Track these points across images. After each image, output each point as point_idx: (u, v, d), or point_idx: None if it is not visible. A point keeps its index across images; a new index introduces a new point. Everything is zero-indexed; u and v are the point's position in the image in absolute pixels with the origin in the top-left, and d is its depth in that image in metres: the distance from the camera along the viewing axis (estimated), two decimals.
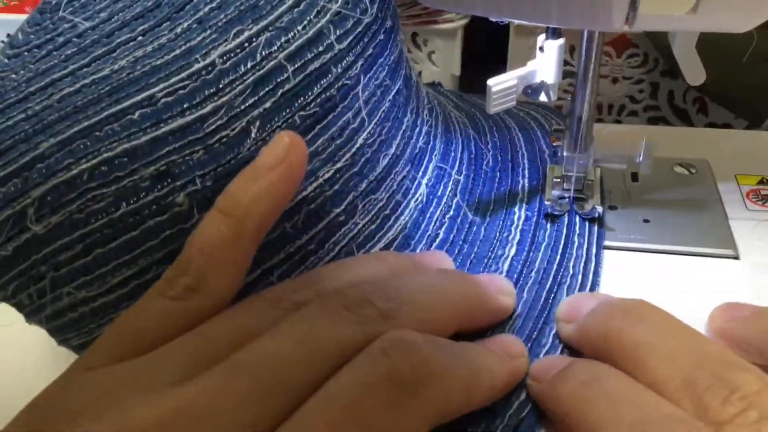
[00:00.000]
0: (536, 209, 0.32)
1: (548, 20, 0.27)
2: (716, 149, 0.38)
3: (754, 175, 0.36)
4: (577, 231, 0.31)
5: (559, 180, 0.33)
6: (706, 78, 0.31)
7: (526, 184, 0.34)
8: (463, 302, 0.24)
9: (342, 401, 0.18)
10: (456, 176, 0.33)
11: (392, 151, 0.29)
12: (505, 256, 0.29)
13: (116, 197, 0.22)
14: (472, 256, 0.29)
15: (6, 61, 0.26)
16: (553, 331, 0.26)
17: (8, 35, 0.56)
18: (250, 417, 0.17)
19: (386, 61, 0.28)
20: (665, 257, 0.31)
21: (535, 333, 0.26)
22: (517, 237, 0.30)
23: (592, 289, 0.28)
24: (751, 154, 0.38)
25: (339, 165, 0.26)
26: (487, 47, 0.52)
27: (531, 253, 0.30)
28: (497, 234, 0.31)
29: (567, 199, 0.32)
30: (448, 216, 0.31)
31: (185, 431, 0.17)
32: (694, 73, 0.31)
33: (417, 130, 0.31)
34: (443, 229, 0.30)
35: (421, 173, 0.31)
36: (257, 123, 0.23)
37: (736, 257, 0.30)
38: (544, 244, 0.30)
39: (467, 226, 0.31)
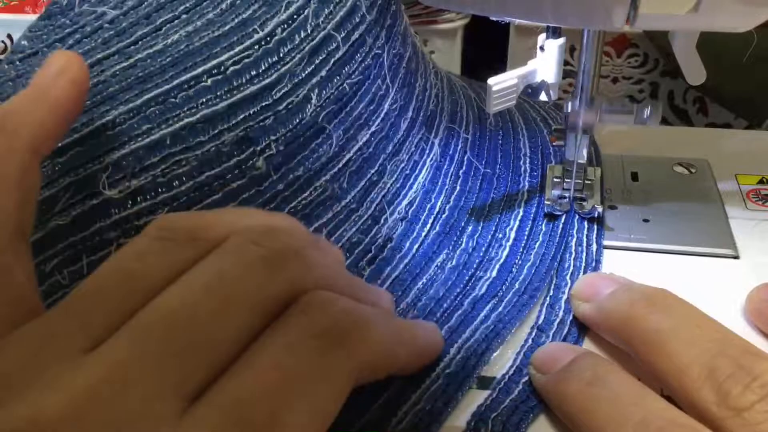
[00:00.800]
0: (536, 205, 0.32)
1: (549, 19, 0.27)
2: (716, 149, 0.38)
3: (754, 174, 0.36)
4: (575, 233, 0.31)
5: (559, 179, 0.33)
6: (706, 78, 0.31)
7: (527, 184, 0.34)
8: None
9: (270, 363, 0.17)
10: (465, 135, 0.34)
11: (409, 114, 0.30)
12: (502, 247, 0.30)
13: (200, 162, 0.22)
14: (488, 204, 0.32)
15: (18, 64, 0.26)
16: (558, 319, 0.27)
17: (8, 36, 0.56)
18: (166, 384, 0.16)
19: (398, 29, 0.30)
20: (665, 257, 0.31)
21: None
22: (513, 236, 0.31)
23: None
24: (751, 154, 0.38)
25: (372, 129, 0.28)
26: (487, 47, 0.52)
27: (528, 249, 0.30)
28: (494, 232, 0.31)
29: (567, 199, 0.32)
30: (461, 171, 0.33)
31: (98, 412, 0.15)
32: (695, 73, 0.31)
33: (427, 93, 0.33)
34: (459, 183, 0.32)
35: (433, 134, 0.32)
36: (316, 90, 0.24)
37: (736, 257, 0.30)
38: (539, 242, 0.30)
39: (480, 178, 0.33)
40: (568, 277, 0.29)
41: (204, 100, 0.22)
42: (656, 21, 0.25)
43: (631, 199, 0.34)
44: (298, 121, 0.24)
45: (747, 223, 0.32)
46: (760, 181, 0.35)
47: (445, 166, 0.33)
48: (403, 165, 0.30)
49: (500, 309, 0.27)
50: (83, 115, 0.22)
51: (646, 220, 0.33)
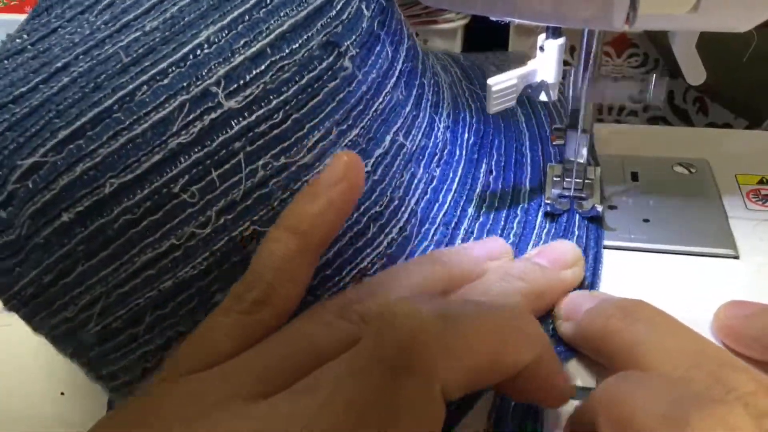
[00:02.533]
0: (536, 207, 0.32)
1: (548, 20, 0.27)
2: (716, 149, 0.38)
3: (754, 174, 0.36)
4: (576, 232, 0.31)
5: (558, 178, 0.33)
6: (706, 78, 0.31)
7: (528, 183, 0.34)
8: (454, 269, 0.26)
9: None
10: (470, 120, 0.35)
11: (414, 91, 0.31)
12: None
13: (299, 66, 0.24)
14: (503, 161, 0.33)
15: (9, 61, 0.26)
16: (551, 326, 0.26)
17: (8, 35, 0.56)
18: None
19: (400, 17, 0.31)
20: (665, 257, 0.31)
21: None
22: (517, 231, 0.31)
23: (591, 287, 0.28)
24: (752, 154, 0.38)
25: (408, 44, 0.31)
26: (487, 47, 0.52)
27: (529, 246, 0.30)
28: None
29: (567, 198, 0.32)
30: (470, 143, 0.34)
31: None
32: (695, 72, 0.31)
33: (430, 81, 0.33)
34: (471, 145, 0.33)
35: (437, 118, 0.33)
36: (365, 3, 0.27)
37: (737, 257, 0.30)
38: (541, 240, 0.30)
39: (490, 139, 0.35)
40: None
41: (286, 11, 0.24)
42: (656, 21, 0.25)
43: (631, 199, 0.34)
44: (360, 28, 0.27)
45: (747, 223, 0.32)
46: (760, 181, 0.35)
47: (455, 153, 0.33)
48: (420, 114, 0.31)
49: None
50: (163, 45, 0.23)
51: (646, 220, 0.33)
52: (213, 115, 0.23)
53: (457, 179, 0.32)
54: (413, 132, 0.30)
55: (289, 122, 0.24)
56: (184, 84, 0.23)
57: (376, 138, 0.28)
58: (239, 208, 0.24)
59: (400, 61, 0.30)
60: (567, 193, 0.32)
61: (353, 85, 0.26)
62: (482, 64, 0.43)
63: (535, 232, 0.31)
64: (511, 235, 0.31)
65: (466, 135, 0.34)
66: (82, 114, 0.22)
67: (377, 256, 0.27)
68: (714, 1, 0.24)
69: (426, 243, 0.29)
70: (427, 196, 0.30)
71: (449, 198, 0.31)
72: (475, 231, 0.31)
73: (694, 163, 0.37)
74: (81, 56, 0.24)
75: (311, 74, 0.25)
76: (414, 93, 0.30)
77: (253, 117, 0.23)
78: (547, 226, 0.31)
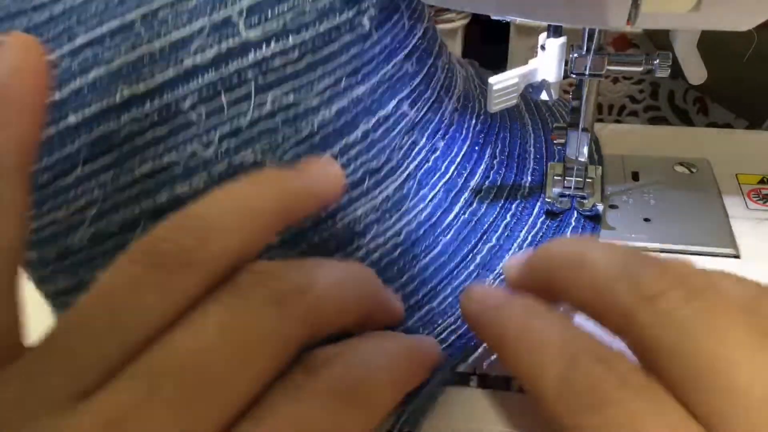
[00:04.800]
0: (537, 206, 0.32)
1: (549, 18, 0.27)
2: (717, 149, 0.38)
3: (754, 174, 0.36)
4: (573, 223, 0.31)
5: (559, 177, 0.33)
6: (707, 77, 0.31)
7: (530, 179, 0.34)
8: (370, 289, 0.23)
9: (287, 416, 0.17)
10: (478, 110, 0.35)
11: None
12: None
13: (319, 12, 0.25)
14: (506, 152, 0.34)
15: None
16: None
17: None
18: (182, 428, 0.15)
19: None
20: (666, 257, 0.31)
21: None
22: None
23: None
24: (752, 154, 0.38)
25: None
26: (487, 47, 0.52)
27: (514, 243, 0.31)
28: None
29: (567, 197, 0.32)
30: (476, 129, 0.34)
31: None
32: (696, 72, 0.31)
33: (445, 66, 0.33)
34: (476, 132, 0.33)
35: (447, 100, 0.33)
36: None
37: (737, 256, 0.30)
38: (530, 237, 0.31)
39: (496, 130, 0.35)
40: None
41: None
42: (657, 20, 0.25)
43: (631, 198, 0.34)
44: None
45: (748, 222, 0.32)
46: (761, 181, 0.35)
47: (455, 149, 0.33)
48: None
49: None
50: None
51: (646, 220, 0.33)
52: (230, 43, 0.24)
53: (461, 154, 0.32)
54: (419, 104, 0.30)
55: (302, 62, 0.25)
56: (208, 8, 0.23)
57: (381, 100, 0.28)
58: (243, 135, 0.25)
59: (416, 37, 0.30)
60: (568, 192, 0.32)
61: (367, 43, 0.27)
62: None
63: (529, 223, 0.31)
64: (501, 225, 0.31)
65: (474, 121, 0.34)
66: (102, 24, 0.23)
67: (371, 209, 0.28)
68: (715, 0, 0.24)
69: (423, 205, 0.29)
70: (429, 164, 0.30)
71: (452, 169, 0.31)
72: (474, 203, 0.31)
73: (694, 162, 0.37)
74: None
75: (330, 23, 0.25)
76: (425, 70, 0.31)
77: (269, 50, 0.24)
78: (542, 220, 0.31)
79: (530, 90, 0.30)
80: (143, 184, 0.24)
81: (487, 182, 0.32)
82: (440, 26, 0.52)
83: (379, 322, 0.24)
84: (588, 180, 0.33)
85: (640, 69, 0.30)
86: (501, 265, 0.29)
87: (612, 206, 0.33)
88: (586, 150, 0.32)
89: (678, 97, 0.52)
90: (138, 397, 0.15)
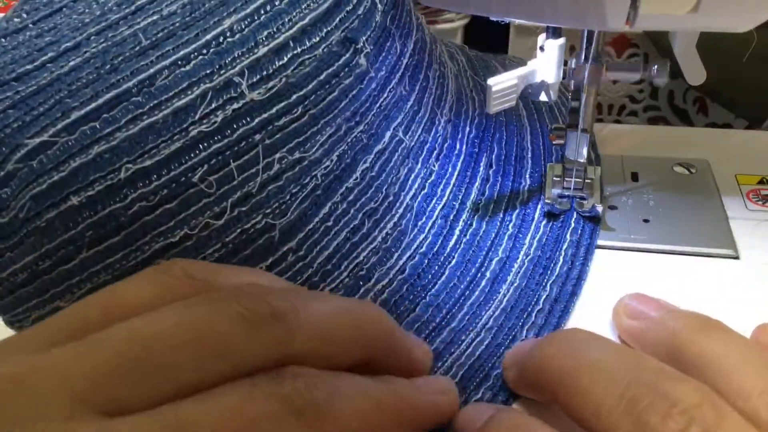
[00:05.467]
0: (537, 205, 0.32)
1: (549, 20, 0.27)
2: (716, 149, 0.38)
3: (754, 174, 0.36)
4: (573, 224, 0.31)
5: (559, 178, 0.33)
6: (706, 78, 0.31)
7: (527, 182, 0.34)
8: (367, 331, 0.22)
9: (226, 404, 0.17)
10: (472, 113, 0.35)
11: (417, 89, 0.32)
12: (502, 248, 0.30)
13: (318, 61, 0.24)
14: (503, 155, 0.33)
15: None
16: (532, 333, 0.27)
17: (4, 16, 0.56)
18: (99, 393, 0.16)
19: (410, 7, 0.32)
20: (665, 257, 0.31)
21: (515, 331, 0.27)
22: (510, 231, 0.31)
23: (578, 281, 0.29)
24: (752, 154, 0.38)
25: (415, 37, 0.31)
26: (487, 47, 0.52)
27: (521, 250, 0.30)
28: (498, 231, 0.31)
29: (567, 198, 0.32)
30: (471, 136, 0.34)
31: (21, 392, 0.16)
32: (695, 73, 0.31)
33: (435, 73, 0.33)
34: (463, 177, 0.33)
35: (438, 119, 0.33)
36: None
37: (736, 257, 0.30)
38: (535, 242, 0.31)
39: (491, 132, 0.35)
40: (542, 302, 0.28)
41: (307, 3, 0.24)
42: (656, 21, 0.25)
43: (631, 199, 0.34)
44: (374, 23, 0.27)
45: (747, 223, 0.32)
46: (760, 182, 0.35)
47: (453, 157, 0.33)
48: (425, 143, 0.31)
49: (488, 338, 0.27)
50: (201, 22, 0.23)
51: (646, 221, 0.33)
52: (235, 106, 0.23)
53: (456, 173, 0.32)
54: (413, 128, 0.30)
55: (306, 117, 0.24)
56: (207, 72, 0.22)
57: (377, 134, 0.27)
58: (253, 200, 0.24)
59: (407, 55, 0.30)
60: (567, 193, 0.32)
61: (365, 82, 0.26)
62: (486, 57, 0.43)
63: (532, 228, 0.31)
64: (505, 237, 0.31)
65: (468, 128, 0.34)
66: (98, 95, 0.22)
67: (372, 251, 0.27)
68: (714, 1, 0.24)
69: (422, 236, 0.29)
70: (425, 190, 0.30)
71: (447, 192, 0.31)
72: (474, 223, 0.31)
73: (694, 163, 0.37)
74: (93, 37, 0.23)
75: (329, 70, 0.25)
76: (417, 87, 0.31)
77: (274, 110, 0.23)
78: (544, 224, 0.31)
79: (529, 91, 0.30)
80: (155, 263, 0.23)
81: (484, 198, 0.32)
82: (440, 26, 0.52)
83: (394, 368, 0.22)
84: (587, 181, 0.33)
85: (638, 76, 0.30)
86: (508, 286, 0.29)
87: (611, 207, 0.33)
88: (585, 151, 0.32)
89: (678, 98, 0.52)
90: (68, 356, 0.16)
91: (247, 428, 0.16)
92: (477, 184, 0.32)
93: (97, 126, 0.22)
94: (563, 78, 0.30)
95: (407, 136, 0.29)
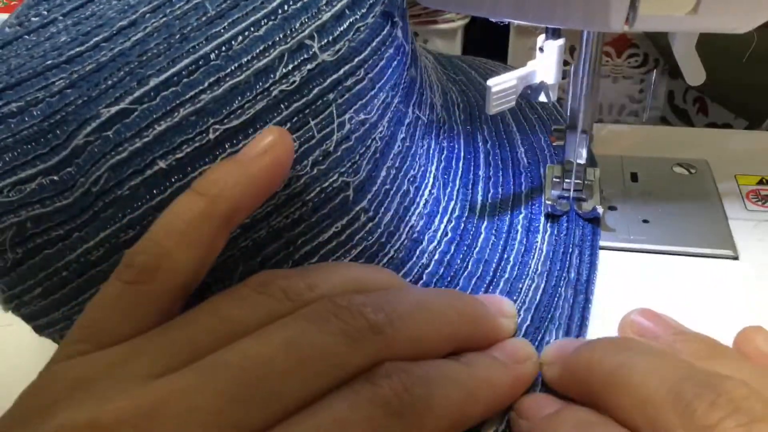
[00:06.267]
0: (537, 208, 0.32)
1: (548, 21, 0.27)
2: (716, 149, 0.38)
3: (753, 175, 0.36)
4: (574, 237, 0.31)
5: (558, 179, 0.33)
6: (706, 78, 0.31)
7: (525, 185, 0.34)
8: (459, 322, 0.23)
9: (332, 416, 0.18)
10: (461, 135, 0.35)
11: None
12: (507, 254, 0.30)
13: (370, 29, 0.25)
14: (495, 205, 0.33)
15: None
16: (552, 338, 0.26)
17: (15, 18, 0.56)
18: (226, 419, 0.17)
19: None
20: (665, 258, 0.31)
21: (536, 343, 0.26)
22: (519, 237, 0.31)
23: (586, 287, 0.28)
24: (751, 154, 0.38)
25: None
26: (487, 48, 0.52)
27: (532, 256, 0.30)
28: (502, 234, 0.31)
29: (567, 200, 0.32)
30: (457, 153, 0.34)
31: (157, 426, 0.16)
32: (694, 73, 0.31)
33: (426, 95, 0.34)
34: (464, 185, 0.33)
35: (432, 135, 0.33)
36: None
37: (736, 257, 0.30)
38: (544, 247, 0.30)
39: (481, 180, 0.34)
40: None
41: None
42: (656, 22, 0.25)
43: (630, 199, 0.34)
44: (401, 0, 0.28)
45: (746, 223, 0.32)
46: (760, 182, 0.35)
47: (452, 167, 0.33)
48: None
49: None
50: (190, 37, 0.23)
51: (645, 221, 0.33)
52: (310, 66, 0.23)
53: (455, 193, 0.32)
54: (422, 107, 0.31)
55: (365, 81, 0.25)
56: (280, 35, 0.23)
57: (405, 105, 0.29)
58: (330, 159, 0.24)
59: (410, 42, 0.31)
60: (567, 194, 0.32)
61: (400, 54, 0.28)
62: (446, 55, 0.44)
63: (541, 230, 0.31)
64: (515, 245, 0.31)
65: (455, 145, 0.34)
66: (174, 62, 0.22)
67: (419, 216, 0.29)
68: (714, 2, 0.24)
69: (423, 261, 0.29)
70: (444, 164, 0.31)
71: (445, 220, 0.31)
72: (479, 244, 0.30)
73: (693, 163, 0.37)
74: (148, 15, 0.23)
75: (378, 38, 0.26)
76: (419, 71, 0.31)
77: (342, 71, 0.24)
78: (550, 226, 0.31)
79: (529, 92, 0.30)
80: (242, 223, 0.24)
81: (486, 211, 0.32)
82: (440, 26, 0.52)
83: (479, 342, 0.24)
84: (587, 182, 0.33)
85: (638, 76, 0.30)
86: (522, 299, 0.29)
87: (611, 207, 0.33)
88: (584, 152, 0.32)
89: (678, 97, 0.52)
90: (191, 384, 0.17)
91: None
92: (479, 202, 0.32)
93: (179, 90, 0.22)
94: (563, 78, 0.30)
95: (422, 113, 0.30)
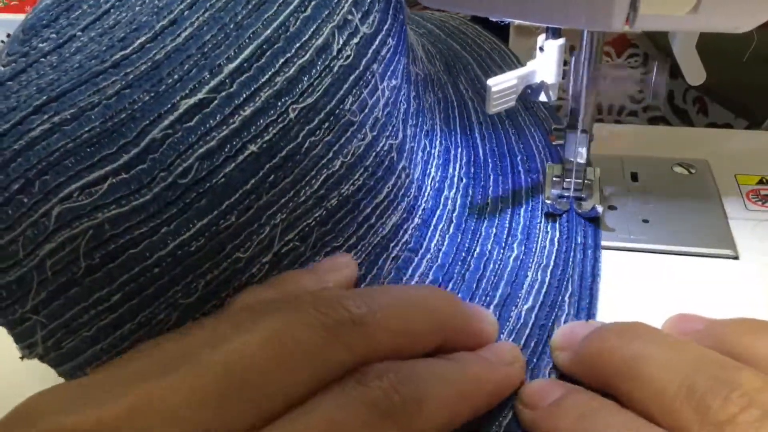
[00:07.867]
0: (537, 208, 0.32)
1: (548, 20, 0.27)
2: (716, 149, 0.38)
3: (753, 175, 0.36)
4: (576, 235, 0.31)
5: (558, 179, 0.33)
6: (706, 78, 0.31)
7: (524, 183, 0.34)
8: (441, 317, 0.23)
9: (322, 416, 0.18)
10: (458, 136, 0.36)
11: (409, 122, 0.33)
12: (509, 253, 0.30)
13: (383, 10, 0.27)
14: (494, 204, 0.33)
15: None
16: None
17: (8, 35, 0.56)
18: (208, 420, 0.17)
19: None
20: (665, 257, 0.31)
21: (540, 342, 0.26)
22: (519, 238, 0.31)
23: (591, 289, 0.28)
24: (751, 154, 0.38)
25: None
26: None
27: (533, 255, 0.30)
28: (500, 235, 0.31)
29: (566, 199, 0.32)
30: (464, 162, 0.35)
31: (140, 427, 0.17)
32: (694, 73, 0.31)
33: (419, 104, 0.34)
34: (462, 185, 0.33)
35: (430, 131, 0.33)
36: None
37: (736, 257, 0.30)
38: (546, 246, 0.30)
39: (480, 180, 0.35)
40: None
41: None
42: (656, 22, 0.25)
43: (630, 199, 0.34)
44: None
45: (747, 223, 0.32)
46: (760, 182, 0.35)
47: (450, 168, 0.33)
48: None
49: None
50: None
51: (645, 221, 0.33)
52: (356, 40, 0.25)
53: (444, 225, 0.32)
54: (414, 93, 0.32)
55: (391, 52, 0.27)
56: (326, 13, 0.24)
57: (410, 69, 0.30)
58: (379, 125, 0.26)
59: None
60: (566, 194, 0.32)
61: (403, 15, 0.29)
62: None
63: (541, 230, 0.31)
64: (514, 250, 0.30)
65: (450, 162, 0.34)
66: (240, 49, 0.22)
67: (433, 188, 0.31)
68: (714, 2, 0.24)
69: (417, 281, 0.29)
70: (410, 247, 0.30)
71: (438, 244, 0.31)
72: (475, 257, 0.30)
73: (693, 163, 0.37)
74: (187, 12, 0.23)
75: (389, 21, 0.27)
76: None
77: (378, 41, 0.26)
78: (550, 227, 0.31)
79: (529, 91, 0.30)
80: (320, 193, 0.25)
81: (485, 221, 0.32)
82: None
83: (463, 343, 0.24)
84: (587, 181, 0.33)
85: (638, 76, 0.30)
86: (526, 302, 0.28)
87: (611, 207, 0.33)
88: (584, 152, 0.31)
89: (678, 97, 0.52)
90: (171, 384, 0.17)
91: None
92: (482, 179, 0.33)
93: (254, 75, 0.22)
94: (563, 78, 0.30)
95: (418, 69, 0.32)
